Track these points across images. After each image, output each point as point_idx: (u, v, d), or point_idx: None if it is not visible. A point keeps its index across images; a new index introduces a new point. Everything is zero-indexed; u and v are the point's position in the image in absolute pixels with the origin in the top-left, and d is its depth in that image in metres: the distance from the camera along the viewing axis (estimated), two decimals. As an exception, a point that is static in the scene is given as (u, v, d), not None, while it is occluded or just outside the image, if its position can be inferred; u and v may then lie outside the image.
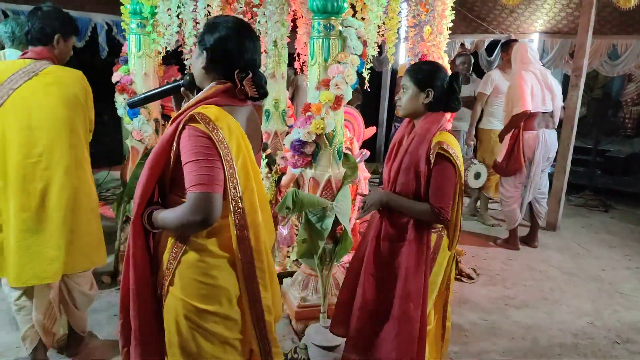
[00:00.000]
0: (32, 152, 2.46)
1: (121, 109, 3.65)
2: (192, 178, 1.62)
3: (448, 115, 2.71)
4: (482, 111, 5.66)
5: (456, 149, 2.29)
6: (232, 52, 1.74)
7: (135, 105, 2.01)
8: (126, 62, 3.72)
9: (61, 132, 2.52)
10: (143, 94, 2.01)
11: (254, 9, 3.53)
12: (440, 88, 2.32)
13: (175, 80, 1.90)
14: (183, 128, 1.67)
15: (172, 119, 1.74)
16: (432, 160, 2.26)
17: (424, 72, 2.35)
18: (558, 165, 5.52)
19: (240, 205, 1.70)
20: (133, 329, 1.79)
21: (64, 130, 2.53)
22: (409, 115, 2.43)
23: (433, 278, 2.41)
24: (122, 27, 3.66)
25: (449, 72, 2.43)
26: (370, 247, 2.47)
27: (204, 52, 1.76)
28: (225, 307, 1.77)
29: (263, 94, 1.82)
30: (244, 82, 1.74)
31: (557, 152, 5.12)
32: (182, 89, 1.88)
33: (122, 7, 3.48)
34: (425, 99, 2.33)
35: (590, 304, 3.93)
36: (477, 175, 5.39)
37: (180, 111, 1.73)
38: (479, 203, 6.06)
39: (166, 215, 1.72)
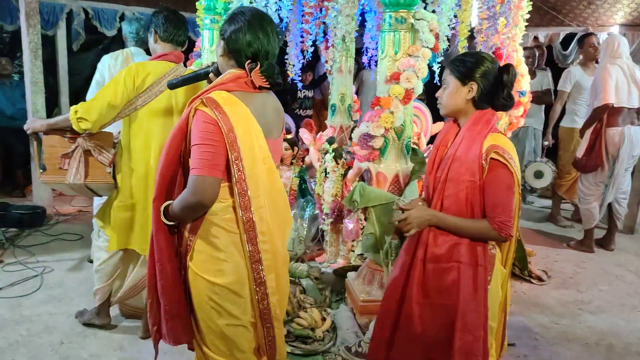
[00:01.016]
0: None
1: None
2: (193, 162, 1.73)
3: (503, 114, 2.32)
4: (564, 109, 5.45)
5: (512, 153, 2.01)
6: (242, 43, 1.81)
7: (175, 86, 2.16)
8: (199, 56, 3.83)
9: None
10: (181, 77, 2.14)
11: (326, 3, 3.54)
12: (485, 81, 2.04)
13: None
14: (194, 112, 1.76)
15: (188, 102, 1.84)
16: (486, 168, 1.98)
17: (466, 64, 2.06)
18: (637, 165, 5.22)
19: (245, 188, 1.77)
20: (162, 305, 1.90)
21: None
22: (451, 114, 2.15)
23: (489, 303, 2.08)
24: (195, 23, 3.77)
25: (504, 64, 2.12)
26: (415, 272, 2.13)
27: (222, 41, 1.87)
28: (236, 284, 1.85)
29: (274, 84, 1.87)
30: (251, 72, 1.81)
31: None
32: (210, 74, 1.99)
33: (197, 3, 3.58)
34: (468, 93, 2.05)
35: (672, 312, 3.71)
36: (539, 174, 5.19)
37: (196, 95, 1.82)
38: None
39: (174, 202, 1.83)
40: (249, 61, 1.81)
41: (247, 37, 1.81)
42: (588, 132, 4.60)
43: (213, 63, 1.99)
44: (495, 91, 2.05)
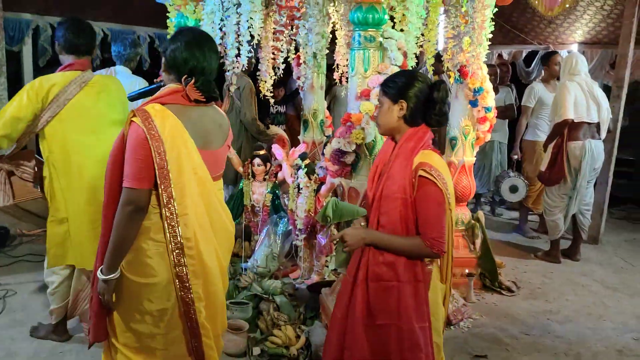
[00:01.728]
0: (96, 152, 2.73)
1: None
2: (124, 173, 1.86)
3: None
4: (527, 123, 5.63)
5: (442, 170, 2.04)
6: (179, 60, 1.95)
7: (133, 99, 2.28)
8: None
9: (115, 134, 2.69)
10: (137, 90, 2.29)
11: (296, 22, 3.59)
12: (415, 99, 2.07)
13: (160, 80, 2.17)
14: (130, 124, 1.88)
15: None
16: (415, 185, 2.01)
17: (396, 84, 2.11)
18: (600, 177, 5.39)
19: (172, 196, 1.87)
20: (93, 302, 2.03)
21: (117, 132, 2.71)
22: (387, 133, 2.20)
23: (432, 319, 2.10)
24: (165, 39, 3.77)
25: (437, 80, 2.18)
26: (358, 291, 2.13)
27: (163, 58, 2.02)
28: (160, 287, 1.93)
29: (210, 98, 2.00)
30: (187, 87, 1.94)
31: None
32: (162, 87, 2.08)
33: (167, 20, 3.58)
34: (399, 111, 2.09)
35: (635, 319, 3.81)
36: (514, 189, 5.32)
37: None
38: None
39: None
40: (185, 76, 1.94)
41: (183, 54, 1.94)
42: (550, 147, 4.76)
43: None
44: (426, 108, 2.10)
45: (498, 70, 5.98)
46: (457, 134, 4.12)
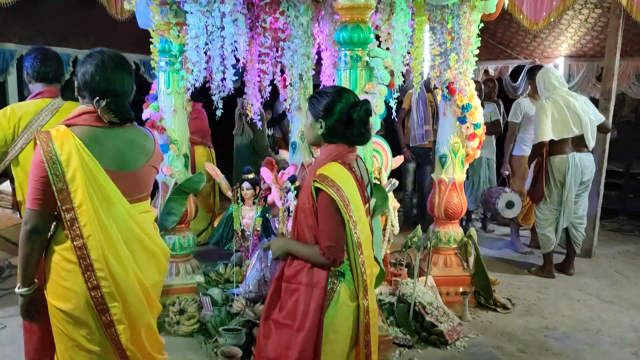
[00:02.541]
0: None
1: (151, 145, 3.69)
2: (27, 194, 1.94)
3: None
4: (514, 139, 5.66)
5: (340, 180, 2.05)
6: (90, 83, 1.99)
7: None
8: (155, 99, 3.79)
9: None
10: None
11: (281, 43, 3.58)
12: (334, 119, 2.11)
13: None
14: (34, 146, 1.93)
15: None
16: (314, 195, 2.07)
17: (319, 102, 2.15)
18: (591, 190, 5.38)
19: (74, 216, 1.89)
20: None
21: None
22: (312, 145, 2.34)
23: (332, 336, 2.11)
24: (150, 66, 3.74)
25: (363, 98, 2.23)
26: (270, 290, 2.26)
27: (75, 80, 2.05)
28: (77, 311, 1.95)
29: (124, 120, 2.04)
30: (99, 108, 1.97)
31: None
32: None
33: (151, 45, 3.56)
34: (319, 129, 2.15)
35: (634, 333, 3.77)
36: (510, 205, 5.30)
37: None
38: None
39: None
40: (97, 98, 1.97)
41: (94, 77, 1.98)
42: (533, 165, 4.77)
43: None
44: (346, 127, 2.13)
45: (482, 86, 6.01)
46: (447, 152, 4.10)
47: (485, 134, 5.82)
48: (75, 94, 2.06)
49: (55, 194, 1.87)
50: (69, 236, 1.91)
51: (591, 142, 4.68)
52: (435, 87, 3.99)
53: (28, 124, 2.74)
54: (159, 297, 2.23)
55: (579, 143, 4.65)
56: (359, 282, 2.13)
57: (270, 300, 2.23)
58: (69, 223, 1.89)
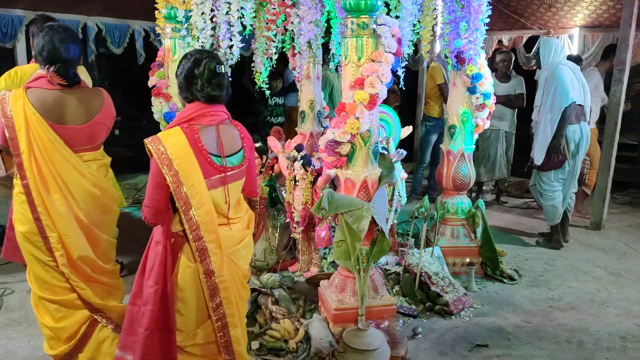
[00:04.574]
0: None
1: (157, 114, 3.69)
2: None
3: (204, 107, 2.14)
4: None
5: (172, 146, 2.06)
6: (42, 51, 2.45)
7: None
8: (161, 66, 3.77)
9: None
10: None
11: (287, 10, 3.53)
12: (181, 77, 2.18)
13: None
14: None
15: None
16: None
17: (178, 65, 2.24)
18: (602, 163, 5.33)
19: (20, 161, 2.42)
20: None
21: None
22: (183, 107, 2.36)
23: (179, 294, 2.18)
24: (158, 33, 3.71)
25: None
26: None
27: (32, 51, 2.60)
28: (30, 233, 2.52)
29: (72, 83, 2.51)
30: (48, 73, 2.44)
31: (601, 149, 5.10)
32: None
33: (156, 12, 3.52)
34: (179, 91, 2.23)
35: (639, 305, 3.77)
36: None
37: None
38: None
39: None
40: (47, 64, 2.44)
41: (45, 47, 2.44)
42: (543, 132, 4.60)
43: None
44: (190, 85, 2.16)
45: (512, 56, 5.91)
46: (456, 122, 4.06)
47: (508, 106, 5.81)
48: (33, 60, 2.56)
49: (9, 141, 2.40)
50: (18, 176, 2.42)
51: (588, 114, 4.65)
52: (446, 56, 3.92)
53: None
54: (110, 233, 2.74)
55: (582, 113, 4.61)
56: (191, 246, 2.15)
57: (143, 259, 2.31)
58: (17, 166, 2.41)
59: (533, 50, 7.14)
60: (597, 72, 5.66)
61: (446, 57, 3.96)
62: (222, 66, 2.18)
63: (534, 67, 6.27)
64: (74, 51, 2.49)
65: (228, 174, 2.19)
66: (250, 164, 2.35)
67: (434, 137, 6.09)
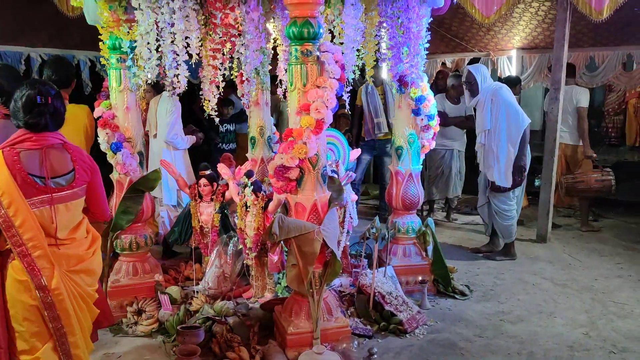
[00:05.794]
0: None
1: (104, 144, 3.64)
2: None
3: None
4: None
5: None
6: None
7: None
8: (108, 97, 3.73)
9: None
10: None
11: (232, 39, 3.57)
12: (10, 106, 2.37)
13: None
14: None
15: None
16: None
17: None
18: (544, 177, 5.56)
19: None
20: None
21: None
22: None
23: (12, 311, 2.29)
24: (103, 63, 3.67)
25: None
26: None
27: None
28: None
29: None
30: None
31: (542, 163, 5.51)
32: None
33: (100, 43, 3.49)
34: (12, 119, 2.39)
35: (585, 314, 3.91)
36: None
37: None
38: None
39: None
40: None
41: None
42: (511, 152, 4.76)
43: None
44: (15, 114, 2.33)
45: (439, 82, 6.15)
46: (403, 144, 4.16)
47: (459, 127, 6.01)
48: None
49: None
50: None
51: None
52: (381, 82, 4.04)
53: None
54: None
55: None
56: (22, 262, 2.26)
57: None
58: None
59: (463, 79, 7.36)
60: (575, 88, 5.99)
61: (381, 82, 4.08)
62: (44, 97, 2.33)
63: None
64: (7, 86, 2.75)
65: (55, 195, 2.32)
66: (94, 187, 2.51)
67: (365, 157, 6.23)
